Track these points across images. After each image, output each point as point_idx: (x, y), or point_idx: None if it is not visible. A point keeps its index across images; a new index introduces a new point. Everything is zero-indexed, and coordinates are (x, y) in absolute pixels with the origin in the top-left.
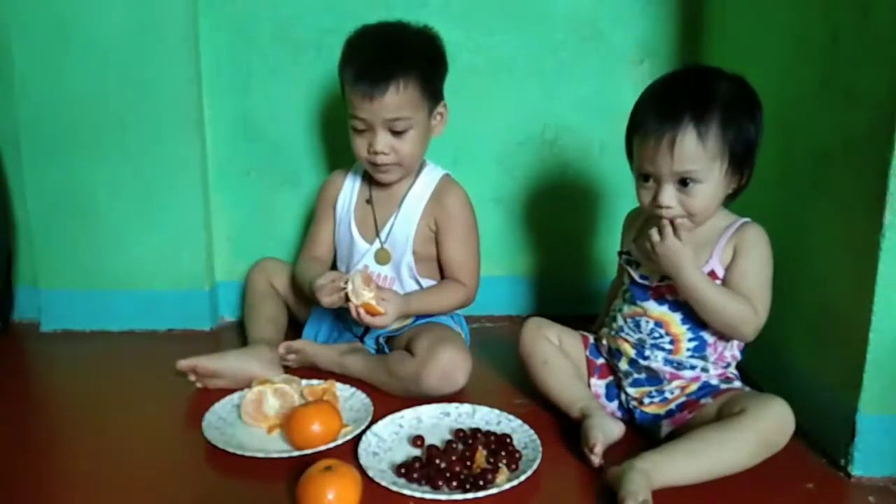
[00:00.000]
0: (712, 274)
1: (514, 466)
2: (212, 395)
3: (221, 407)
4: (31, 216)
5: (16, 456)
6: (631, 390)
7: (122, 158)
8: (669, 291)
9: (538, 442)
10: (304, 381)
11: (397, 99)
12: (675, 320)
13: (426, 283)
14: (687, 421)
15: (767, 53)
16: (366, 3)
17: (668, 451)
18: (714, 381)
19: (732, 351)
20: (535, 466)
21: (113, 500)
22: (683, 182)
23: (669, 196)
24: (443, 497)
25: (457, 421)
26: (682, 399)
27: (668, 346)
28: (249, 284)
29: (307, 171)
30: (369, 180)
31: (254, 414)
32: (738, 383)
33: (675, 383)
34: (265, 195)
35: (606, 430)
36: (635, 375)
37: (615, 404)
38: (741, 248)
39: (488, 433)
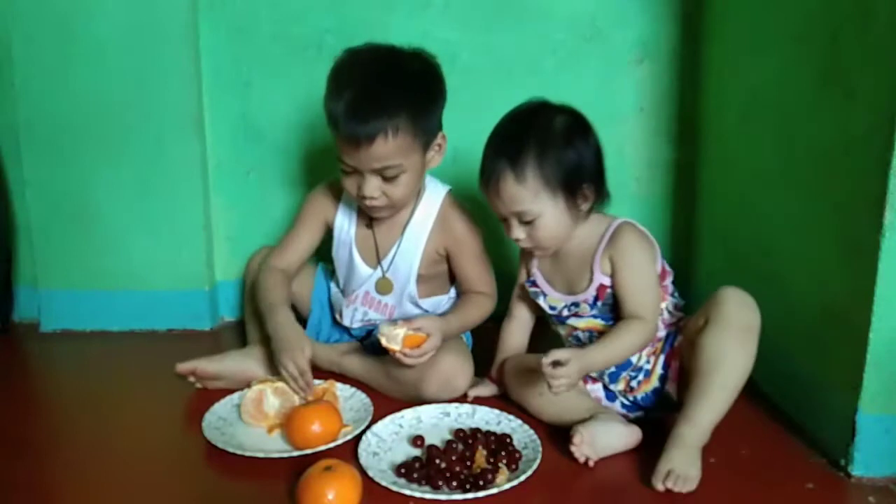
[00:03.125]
0: (602, 287)
1: (514, 466)
2: (212, 395)
3: (221, 407)
4: (31, 216)
5: (16, 456)
6: (614, 386)
7: (122, 158)
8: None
9: (538, 442)
10: None
11: (386, 148)
12: (601, 324)
13: (425, 303)
14: (679, 368)
15: (767, 53)
16: (366, 3)
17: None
18: (670, 331)
19: (665, 306)
20: (534, 466)
21: (113, 500)
22: (523, 219)
23: (517, 231)
24: (443, 497)
25: (457, 421)
26: (661, 359)
27: None
28: (250, 276)
29: (307, 171)
30: None
31: (254, 413)
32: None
33: (643, 352)
34: (265, 195)
35: (600, 431)
36: (608, 370)
37: (618, 404)
38: (616, 260)
39: (488, 433)
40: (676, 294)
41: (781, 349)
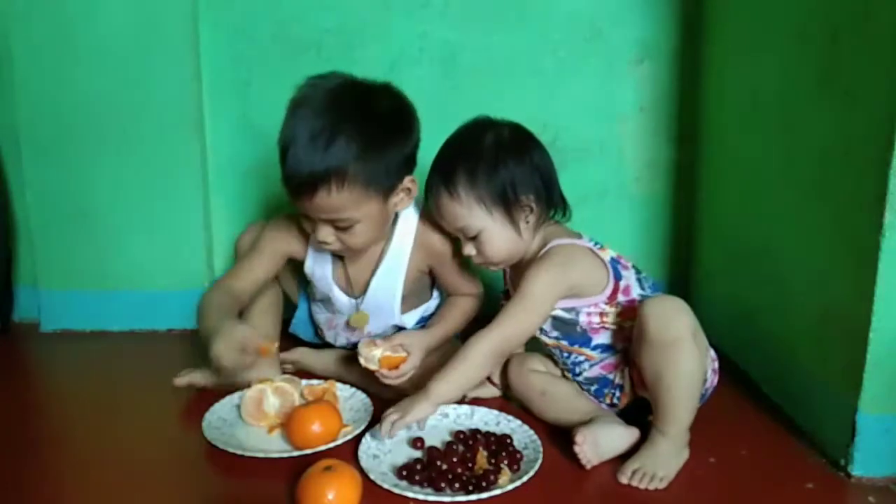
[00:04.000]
0: None
1: (515, 467)
2: (212, 396)
3: (221, 407)
4: (31, 216)
5: (16, 456)
6: (601, 401)
7: (122, 158)
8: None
9: (538, 442)
10: (304, 381)
11: (330, 202)
12: (565, 345)
13: (407, 318)
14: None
15: (767, 53)
16: (366, 3)
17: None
18: (627, 344)
19: (622, 323)
20: (536, 467)
21: (113, 500)
22: (467, 235)
23: (467, 247)
24: (447, 499)
25: (455, 422)
26: (626, 372)
27: (582, 360)
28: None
29: None
30: None
31: (254, 412)
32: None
33: (618, 371)
34: (265, 195)
35: (598, 427)
36: (591, 388)
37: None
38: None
39: (488, 434)
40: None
41: (781, 349)
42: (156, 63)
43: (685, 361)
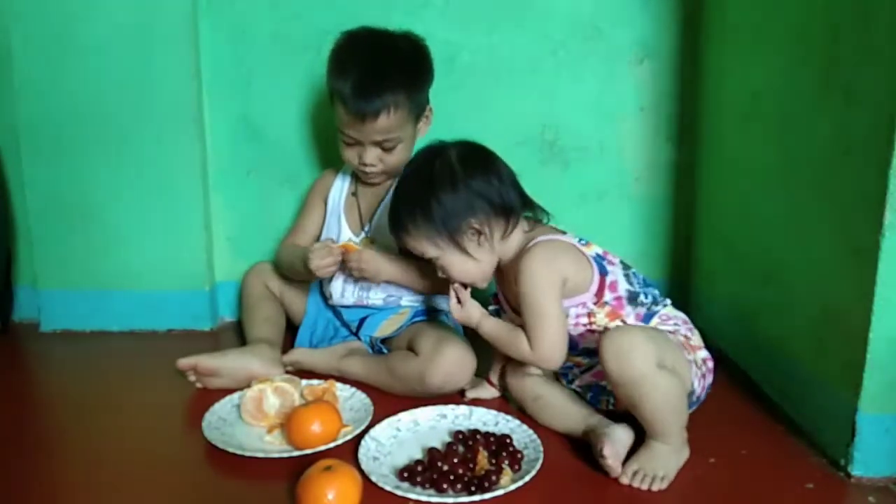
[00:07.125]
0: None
1: (517, 467)
2: (212, 395)
3: (221, 407)
4: (31, 216)
5: (16, 456)
6: (597, 404)
7: (122, 158)
8: None
9: (538, 442)
10: (304, 381)
11: (388, 123)
12: None
13: None
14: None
15: (767, 53)
16: (366, 4)
17: None
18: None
19: (588, 311)
20: (538, 466)
21: (113, 500)
22: (430, 261)
23: (439, 272)
24: (450, 500)
25: (454, 423)
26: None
27: (571, 366)
28: (245, 288)
29: (307, 171)
30: (356, 175)
31: (254, 412)
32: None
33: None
34: (265, 195)
35: (613, 435)
36: (587, 395)
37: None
38: (517, 283)
39: (487, 434)
40: (647, 298)
41: (781, 349)
42: (156, 63)
43: (656, 392)
